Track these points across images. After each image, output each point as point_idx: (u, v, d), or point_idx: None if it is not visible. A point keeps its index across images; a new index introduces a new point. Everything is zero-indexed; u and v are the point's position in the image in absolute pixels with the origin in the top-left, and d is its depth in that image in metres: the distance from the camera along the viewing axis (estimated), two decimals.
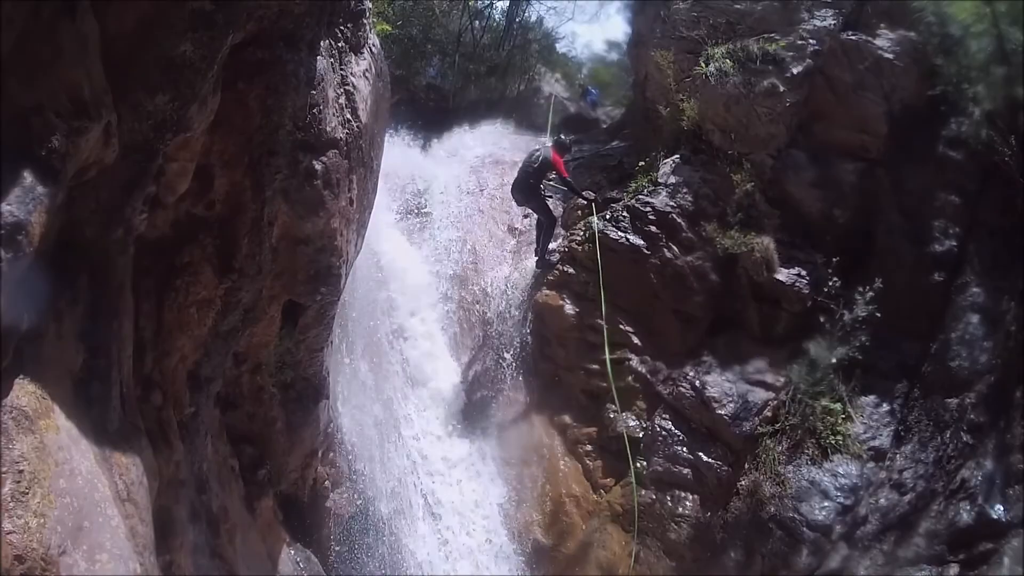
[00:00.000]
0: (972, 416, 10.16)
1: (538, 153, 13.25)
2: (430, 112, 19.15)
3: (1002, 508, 9.47)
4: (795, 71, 12.22)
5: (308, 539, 9.77)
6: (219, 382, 7.55)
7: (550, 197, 14.00)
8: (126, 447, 5.03)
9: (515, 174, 13.49)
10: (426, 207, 14.57)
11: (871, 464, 10.57)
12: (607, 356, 11.72)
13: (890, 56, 11.90)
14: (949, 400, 10.42)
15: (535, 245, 13.48)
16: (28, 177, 3.91)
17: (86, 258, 4.76)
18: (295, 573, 9.23)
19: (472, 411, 12.65)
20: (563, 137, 14.33)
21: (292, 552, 9.41)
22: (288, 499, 9.60)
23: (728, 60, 12.51)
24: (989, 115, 10.94)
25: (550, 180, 13.61)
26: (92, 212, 4.75)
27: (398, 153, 14.58)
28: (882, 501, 10.23)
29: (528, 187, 13.17)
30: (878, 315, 10.50)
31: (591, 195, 13.15)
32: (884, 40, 12.17)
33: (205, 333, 6.73)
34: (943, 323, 10.87)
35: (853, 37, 12.24)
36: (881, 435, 10.76)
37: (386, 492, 10.82)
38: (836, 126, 12.24)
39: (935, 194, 11.47)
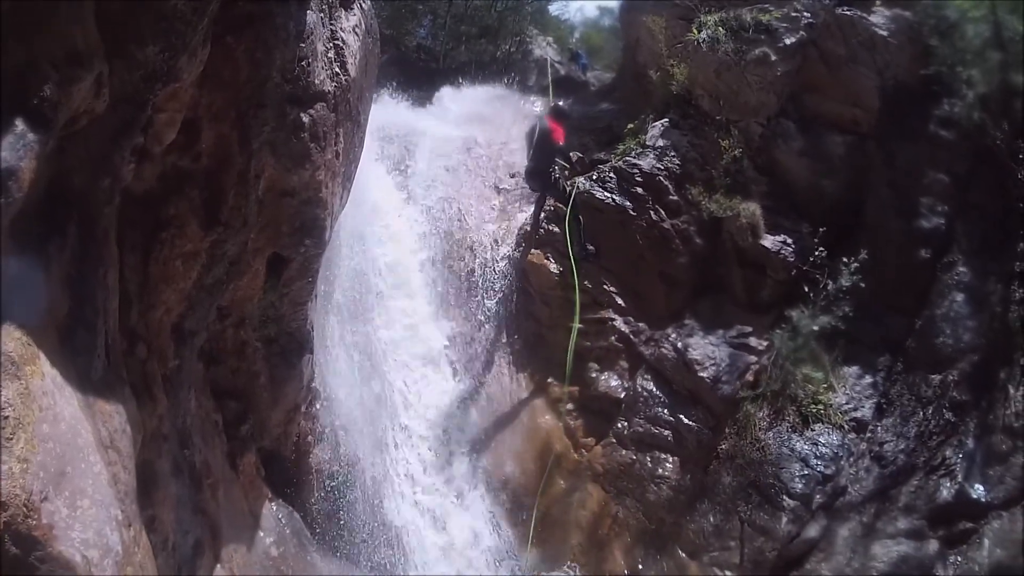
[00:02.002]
0: (955, 394, 10.32)
1: (537, 125, 12.63)
2: (419, 72, 19.03)
3: (983, 488, 9.64)
4: (788, 42, 12.23)
5: (290, 495, 9.79)
6: (203, 335, 7.54)
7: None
8: (110, 395, 5.02)
9: (527, 168, 12.67)
10: (413, 164, 14.47)
11: (852, 435, 10.72)
12: (575, 321, 11.79)
13: (884, 33, 11.91)
14: (932, 376, 10.58)
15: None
16: (20, 125, 3.95)
17: (75, 207, 4.74)
18: (277, 529, 9.27)
19: (456, 368, 12.65)
20: (560, 104, 13.96)
21: (274, 508, 9.43)
22: (270, 455, 9.60)
23: (720, 28, 12.52)
24: (983, 98, 11.04)
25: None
26: (82, 161, 4.74)
27: (386, 111, 14.47)
28: (862, 473, 10.37)
29: (545, 170, 12.31)
30: (863, 286, 10.57)
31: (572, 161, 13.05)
32: (879, 17, 12.17)
33: (190, 286, 6.72)
34: (928, 299, 11.01)
35: (848, 12, 12.24)
36: (863, 407, 10.91)
37: (368, 449, 10.84)
38: (828, 98, 12.28)
39: (925, 172, 11.55)
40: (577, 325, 11.78)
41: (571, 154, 12.94)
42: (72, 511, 4.15)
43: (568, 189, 12.35)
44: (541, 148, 12.29)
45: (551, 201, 12.74)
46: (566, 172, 12.66)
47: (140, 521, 5.10)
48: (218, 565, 7.12)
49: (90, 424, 4.60)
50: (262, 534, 8.91)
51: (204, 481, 7.29)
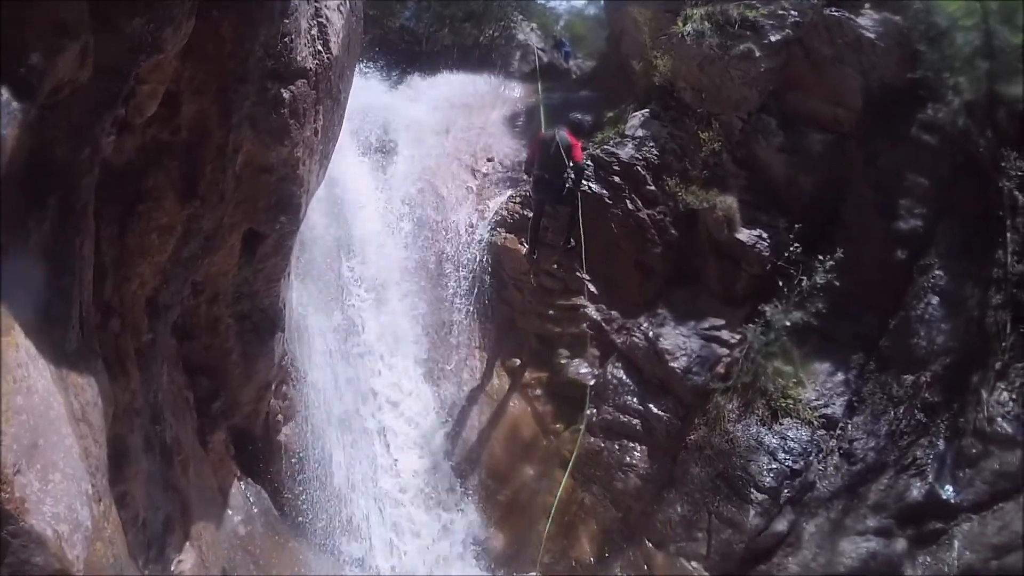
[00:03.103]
0: (927, 395, 10.45)
1: (555, 139, 11.51)
2: (402, 54, 18.91)
3: (953, 490, 9.77)
4: (773, 39, 12.29)
5: (259, 474, 9.77)
6: (177, 310, 7.48)
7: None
8: (83, 368, 4.96)
9: (533, 173, 11.82)
10: (391, 145, 14.39)
11: (822, 431, 10.84)
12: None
13: (872, 36, 11.95)
14: (905, 376, 10.71)
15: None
16: (5, 93, 3.87)
17: (56, 179, 4.68)
18: (245, 507, 9.25)
19: (428, 350, 12.62)
20: (580, 117, 13.08)
21: (243, 486, 9.43)
22: (240, 433, 9.58)
23: (706, 22, 12.54)
24: (968, 106, 11.13)
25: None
26: (64, 132, 4.67)
27: (367, 91, 14.37)
28: (831, 469, 10.49)
29: (560, 186, 11.47)
30: (838, 284, 10.65)
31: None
32: (868, 20, 12.22)
33: (165, 259, 6.66)
34: (904, 300, 11.13)
35: (836, 13, 12.29)
36: (834, 404, 11.03)
37: (338, 428, 10.81)
38: (811, 96, 12.35)
39: (906, 174, 11.65)
40: (563, 303, 12.04)
41: (586, 169, 12.01)
42: (44, 485, 4.09)
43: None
44: (556, 162, 11.41)
45: (527, 185, 12.72)
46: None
47: (110, 496, 5.04)
48: (187, 543, 7.07)
49: (62, 396, 4.54)
50: (230, 512, 8.90)
51: (175, 457, 7.24)
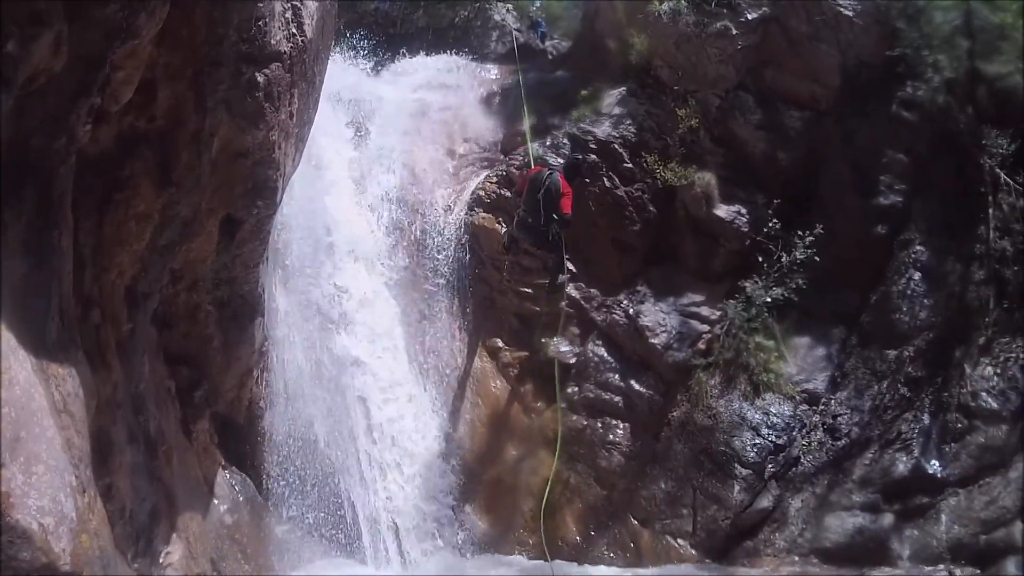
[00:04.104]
0: (910, 369, 10.56)
1: (546, 182, 10.93)
2: (376, 36, 18.72)
3: (939, 464, 9.89)
4: (750, 16, 12.20)
5: (243, 462, 9.74)
6: (156, 298, 7.46)
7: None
8: (64, 359, 4.93)
9: (518, 212, 11.47)
10: (367, 128, 14.28)
11: (804, 407, 10.93)
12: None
13: (849, 13, 11.84)
14: (888, 351, 10.81)
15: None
16: None
17: (32, 170, 4.64)
18: (231, 496, 9.22)
19: (406, 332, 12.58)
20: (580, 157, 11.90)
21: (227, 475, 9.40)
22: (224, 421, 9.57)
23: (683, 0, 12.42)
24: (948, 83, 11.16)
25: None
26: (40, 122, 4.65)
27: (342, 74, 14.23)
28: (815, 444, 10.57)
29: (542, 229, 11.03)
30: (817, 259, 10.75)
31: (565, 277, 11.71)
32: None
33: (143, 247, 6.66)
34: (885, 276, 11.20)
35: None
36: (816, 379, 11.12)
37: (321, 412, 10.78)
38: (788, 74, 12.30)
39: (884, 151, 11.66)
40: (539, 282, 11.92)
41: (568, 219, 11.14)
42: (28, 478, 4.07)
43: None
44: (543, 207, 10.92)
45: (504, 166, 12.71)
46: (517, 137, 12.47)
47: (95, 487, 5.03)
48: (174, 534, 7.04)
49: (43, 388, 4.51)
50: (216, 502, 8.88)
51: (159, 448, 7.20)
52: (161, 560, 6.75)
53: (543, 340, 12.05)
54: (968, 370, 10.15)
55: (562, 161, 12.06)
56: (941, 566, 9.25)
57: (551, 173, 11.03)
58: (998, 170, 10.70)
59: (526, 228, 11.32)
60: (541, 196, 10.89)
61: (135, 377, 6.82)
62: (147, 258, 6.79)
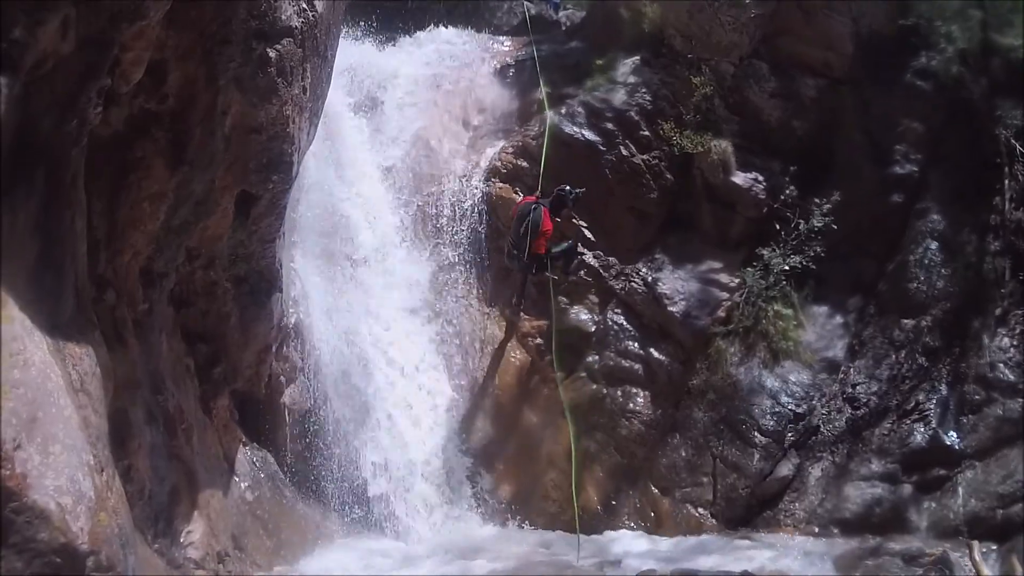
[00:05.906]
0: (927, 339, 10.54)
1: (528, 216, 11.16)
2: (389, 9, 18.61)
3: (956, 435, 9.88)
4: None
5: (264, 438, 9.81)
6: (172, 278, 7.47)
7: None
8: (80, 338, 4.95)
9: (508, 239, 11.77)
10: (381, 101, 14.23)
11: (823, 375, 10.89)
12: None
13: None
14: (905, 321, 10.78)
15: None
16: None
17: (43, 153, 4.63)
18: (251, 473, 9.28)
19: (426, 304, 12.60)
20: (568, 189, 11.54)
21: (248, 452, 9.46)
22: (243, 398, 9.59)
23: None
24: (962, 54, 11.07)
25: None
26: (49, 105, 4.62)
27: (354, 48, 14.17)
28: (834, 413, 10.55)
29: (525, 263, 11.43)
30: (835, 227, 10.68)
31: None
32: None
33: (157, 227, 6.67)
34: (901, 244, 11.13)
35: None
36: (834, 347, 11.09)
37: (340, 389, 10.80)
38: (801, 41, 12.16)
39: (899, 119, 11.58)
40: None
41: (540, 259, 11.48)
42: (45, 458, 4.08)
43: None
44: (523, 240, 11.19)
45: (519, 137, 12.65)
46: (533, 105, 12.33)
47: (113, 466, 5.04)
48: (195, 512, 7.11)
49: (60, 368, 4.53)
50: (237, 479, 8.95)
51: (178, 427, 7.26)
52: (182, 539, 6.82)
53: (562, 307, 12.01)
54: (986, 341, 10.09)
55: (579, 134, 12.18)
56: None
57: (536, 208, 11.22)
58: (1013, 141, 10.62)
59: (513, 259, 11.66)
60: (523, 231, 11.17)
61: (153, 356, 6.87)
62: (162, 238, 6.81)
